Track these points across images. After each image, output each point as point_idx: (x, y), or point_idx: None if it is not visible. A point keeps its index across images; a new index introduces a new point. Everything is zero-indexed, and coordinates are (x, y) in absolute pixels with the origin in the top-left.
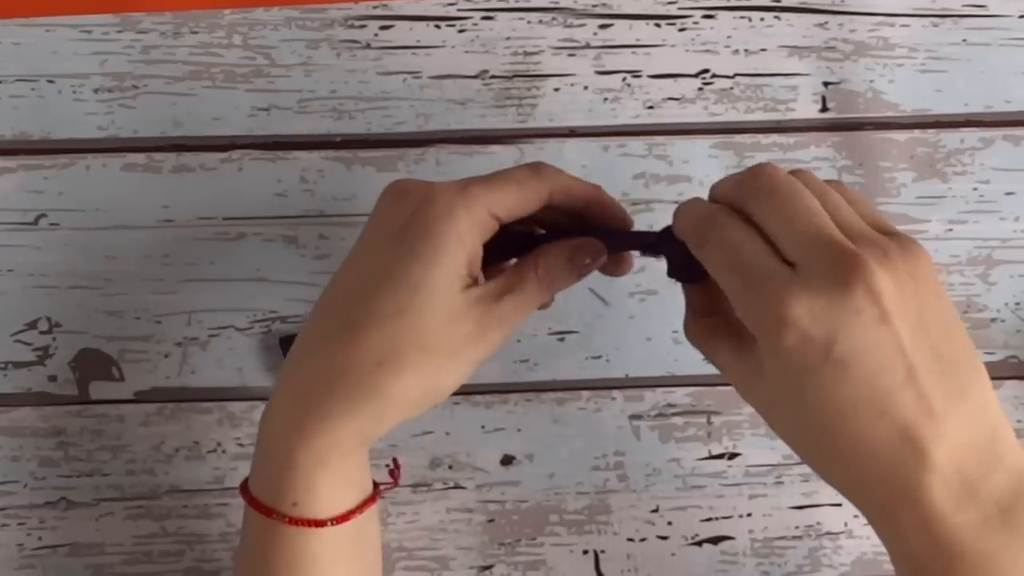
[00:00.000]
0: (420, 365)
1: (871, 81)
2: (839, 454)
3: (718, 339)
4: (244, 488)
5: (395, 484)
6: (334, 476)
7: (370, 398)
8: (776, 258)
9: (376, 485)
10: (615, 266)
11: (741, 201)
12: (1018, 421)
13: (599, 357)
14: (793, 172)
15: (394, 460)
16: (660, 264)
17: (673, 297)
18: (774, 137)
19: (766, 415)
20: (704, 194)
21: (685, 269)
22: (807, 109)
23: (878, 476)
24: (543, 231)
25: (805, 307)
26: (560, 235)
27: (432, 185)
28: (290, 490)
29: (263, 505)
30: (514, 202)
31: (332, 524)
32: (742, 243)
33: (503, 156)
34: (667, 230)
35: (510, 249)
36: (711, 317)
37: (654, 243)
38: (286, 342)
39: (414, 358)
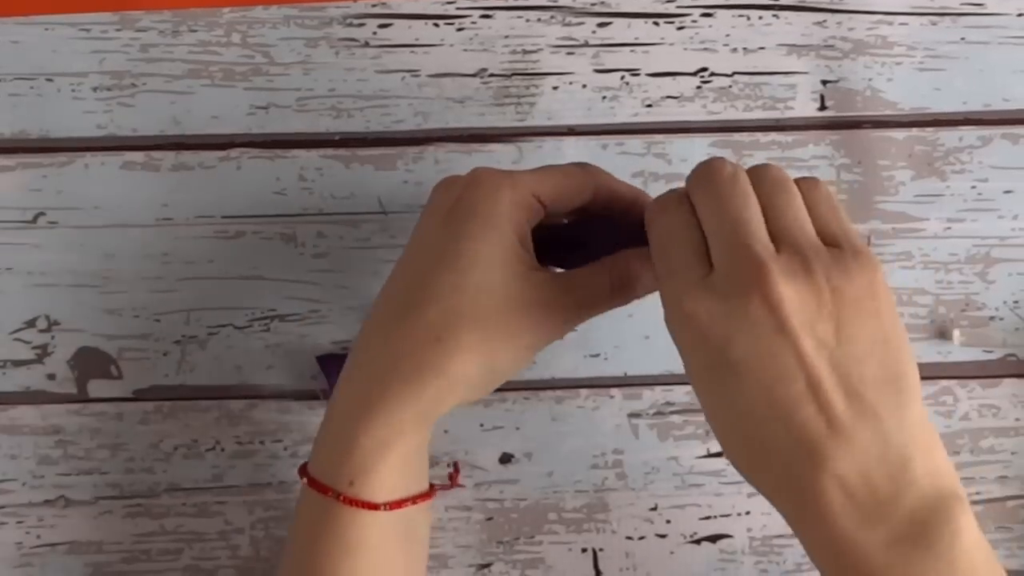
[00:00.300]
0: (478, 342)
1: (869, 79)
2: (748, 455)
3: None
4: (303, 469)
5: (452, 486)
6: (393, 460)
7: (431, 376)
8: (700, 255)
9: (432, 485)
10: None
11: (690, 191)
12: (1016, 419)
13: (598, 355)
14: (757, 168)
15: (455, 464)
16: None
17: None
18: (773, 135)
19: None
20: None
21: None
22: (805, 107)
23: (781, 483)
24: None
25: (703, 308)
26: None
27: (479, 169)
28: (349, 470)
29: (320, 483)
30: (559, 189)
31: (385, 509)
32: (675, 233)
33: (502, 154)
34: None
35: (556, 244)
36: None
37: None
38: (323, 360)
39: (471, 335)
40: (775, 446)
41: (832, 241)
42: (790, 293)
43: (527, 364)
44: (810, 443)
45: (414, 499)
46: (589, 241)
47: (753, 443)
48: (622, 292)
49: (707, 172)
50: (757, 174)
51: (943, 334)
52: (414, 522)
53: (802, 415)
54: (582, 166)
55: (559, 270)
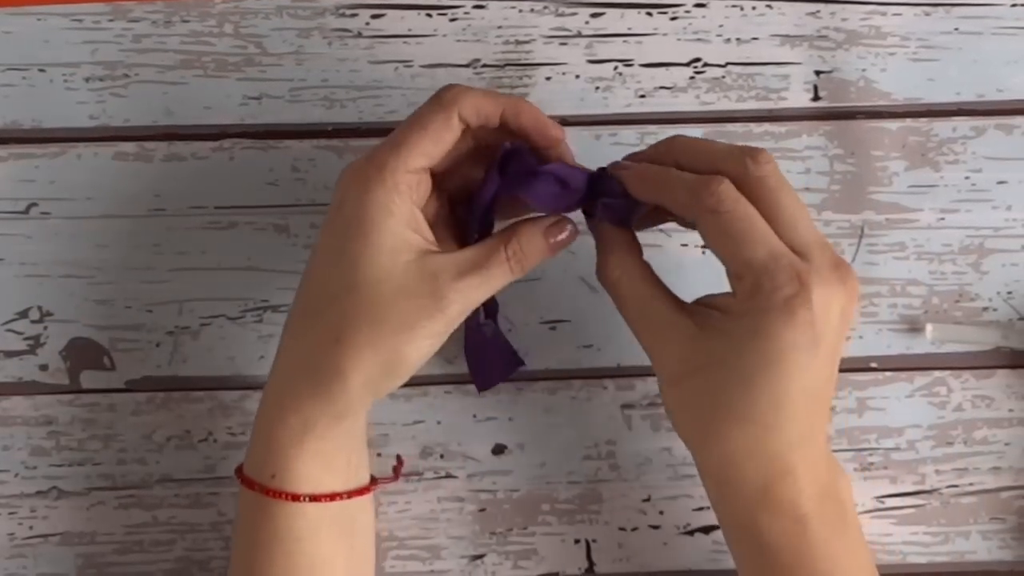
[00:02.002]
0: (373, 341)
1: (863, 70)
2: (749, 428)
3: (648, 283)
4: (239, 468)
5: (395, 479)
6: (309, 453)
7: (332, 377)
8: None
9: (373, 479)
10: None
11: (698, 212)
12: (1010, 410)
13: (590, 346)
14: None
15: (398, 457)
16: (651, 254)
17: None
18: (766, 126)
19: (683, 377)
20: None
21: (620, 211)
22: (799, 98)
23: (768, 451)
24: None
25: (820, 297)
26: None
27: (357, 162)
28: (269, 464)
29: (248, 479)
30: (426, 147)
31: (308, 500)
32: (757, 221)
33: None
34: (603, 170)
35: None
36: (635, 258)
37: (593, 179)
38: None
39: (367, 334)
40: (809, 424)
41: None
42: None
43: (434, 350)
44: (813, 432)
45: (348, 494)
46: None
47: (786, 430)
48: (515, 265)
49: (706, 193)
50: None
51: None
52: (352, 515)
53: (821, 405)
54: (438, 101)
55: (453, 252)
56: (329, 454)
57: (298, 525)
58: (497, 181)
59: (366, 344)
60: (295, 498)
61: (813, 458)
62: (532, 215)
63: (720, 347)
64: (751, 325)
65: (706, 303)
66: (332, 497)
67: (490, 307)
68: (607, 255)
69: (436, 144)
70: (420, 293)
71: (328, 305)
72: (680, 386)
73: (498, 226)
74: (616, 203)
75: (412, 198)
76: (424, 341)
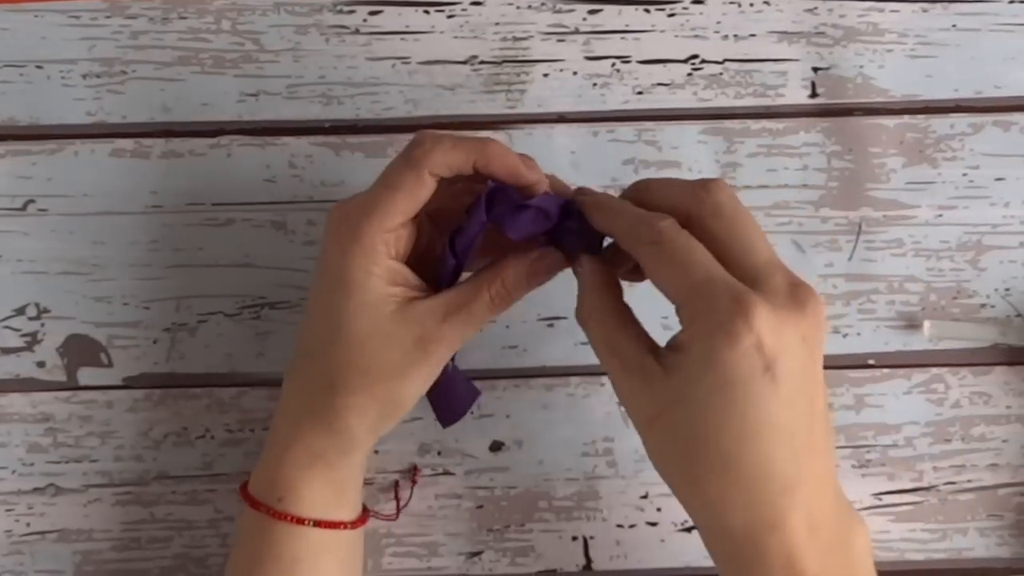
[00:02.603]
0: (367, 386)
1: (861, 67)
2: (724, 472)
3: (620, 325)
4: (243, 487)
5: (396, 516)
6: (318, 481)
7: (330, 418)
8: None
9: (365, 509)
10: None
11: (635, 250)
12: (1007, 407)
13: (588, 343)
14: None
15: (395, 484)
16: None
17: None
18: (763, 123)
19: (654, 420)
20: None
21: (584, 239)
22: (796, 94)
23: (752, 500)
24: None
25: (766, 320)
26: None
27: (335, 215)
28: (278, 487)
29: (254, 499)
30: (399, 207)
31: (312, 525)
32: (697, 249)
33: None
34: (568, 203)
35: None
36: (610, 299)
37: (559, 210)
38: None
39: (359, 381)
40: (769, 460)
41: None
42: (823, 316)
43: (427, 387)
44: (800, 464)
45: (351, 524)
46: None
47: (746, 456)
48: (500, 303)
49: (642, 233)
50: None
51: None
52: (351, 546)
53: (806, 432)
54: (406, 160)
55: (436, 295)
56: (339, 484)
57: (300, 549)
58: (483, 220)
59: (359, 391)
60: (300, 522)
61: (809, 506)
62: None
63: (677, 383)
64: (698, 354)
65: (669, 343)
66: (338, 525)
67: None
68: (581, 294)
69: (410, 202)
70: (406, 341)
71: (322, 353)
72: (652, 429)
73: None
74: (577, 229)
75: (392, 254)
76: (415, 384)
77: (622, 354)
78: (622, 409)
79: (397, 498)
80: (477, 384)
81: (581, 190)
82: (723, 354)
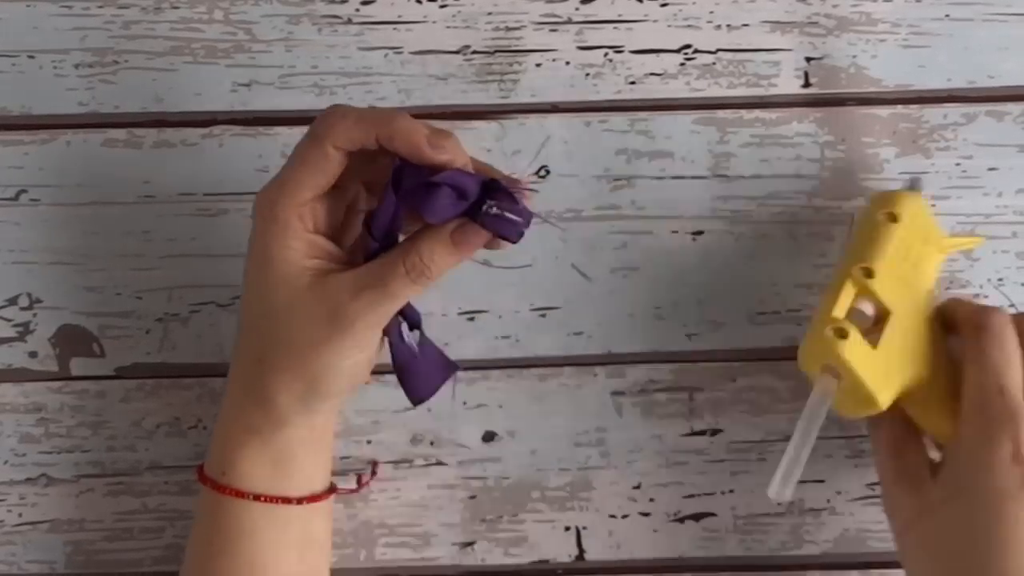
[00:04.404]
0: (287, 359)
1: (854, 56)
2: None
3: (908, 431)
4: (199, 468)
5: (356, 491)
6: (256, 453)
7: (260, 393)
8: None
9: (332, 487)
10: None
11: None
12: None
13: (581, 333)
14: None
15: (373, 464)
16: (641, 240)
17: (655, 272)
18: (756, 113)
19: (911, 525)
20: (684, 169)
21: (513, 223)
22: (789, 84)
23: None
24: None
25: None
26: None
27: (259, 195)
28: (221, 461)
29: (203, 474)
30: (309, 181)
31: (252, 499)
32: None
33: (485, 132)
34: (491, 182)
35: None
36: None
37: (486, 187)
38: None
39: (279, 354)
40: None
41: None
42: None
43: (359, 369)
44: None
45: (296, 499)
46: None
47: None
48: (422, 277)
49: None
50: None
51: None
52: (304, 524)
53: None
54: (311, 138)
55: (352, 269)
56: (278, 458)
57: (243, 522)
58: (393, 199)
59: (281, 366)
60: (240, 495)
61: None
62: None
63: (940, 490)
64: (964, 460)
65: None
66: (279, 500)
67: (412, 318)
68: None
69: (318, 176)
70: (319, 315)
71: (251, 327)
72: (907, 535)
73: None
74: (506, 211)
75: (307, 227)
76: (334, 359)
77: (905, 459)
78: (615, 399)
79: (373, 473)
80: (470, 375)
81: (512, 180)
82: (985, 460)
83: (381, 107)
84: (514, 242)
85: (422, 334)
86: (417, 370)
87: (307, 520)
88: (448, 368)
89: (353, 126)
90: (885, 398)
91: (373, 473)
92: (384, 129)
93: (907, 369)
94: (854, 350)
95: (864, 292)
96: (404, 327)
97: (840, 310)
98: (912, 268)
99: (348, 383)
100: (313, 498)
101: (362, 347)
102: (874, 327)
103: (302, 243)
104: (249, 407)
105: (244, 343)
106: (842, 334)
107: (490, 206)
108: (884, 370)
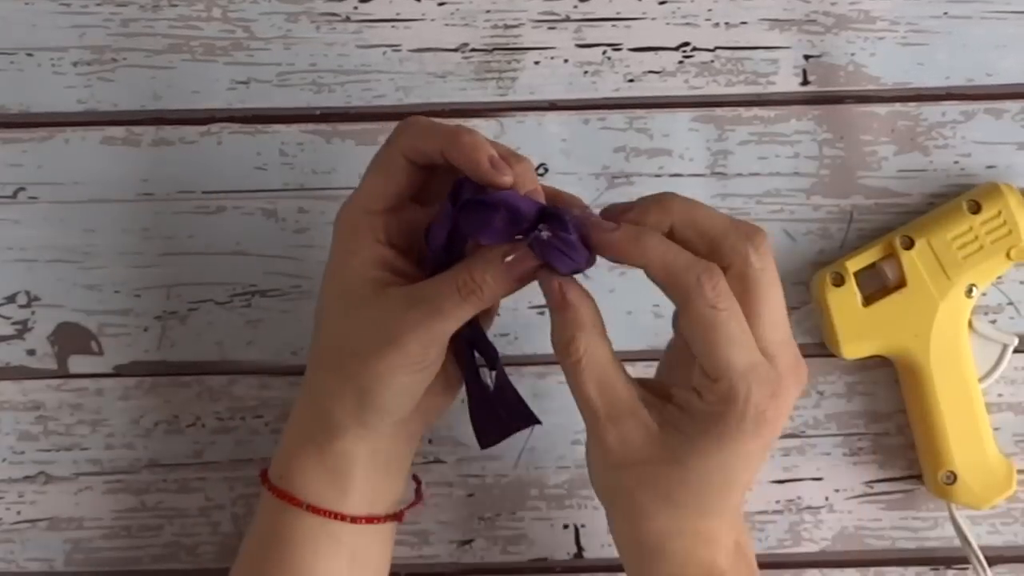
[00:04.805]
0: (337, 369)
1: (852, 54)
2: (686, 512)
3: (615, 367)
4: (264, 469)
5: (417, 502)
6: (310, 463)
7: (314, 398)
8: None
9: (395, 515)
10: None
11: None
12: (999, 395)
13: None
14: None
15: (415, 479)
16: None
17: None
18: (755, 110)
19: (634, 466)
20: (683, 167)
21: (569, 257)
22: (788, 82)
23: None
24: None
25: (785, 402)
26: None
27: (343, 207)
28: (279, 464)
29: (265, 474)
30: (380, 189)
31: (306, 508)
32: (742, 324)
33: (484, 130)
34: (545, 209)
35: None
36: (603, 337)
37: (535, 214)
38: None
39: (332, 362)
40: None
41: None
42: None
43: (414, 385)
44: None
45: (350, 517)
46: None
47: (729, 496)
48: (474, 297)
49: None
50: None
51: None
52: (356, 543)
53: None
54: (388, 142)
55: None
56: (334, 472)
57: (294, 531)
58: (449, 212)
59: (331, 372)
60: (294, 502)
61: (732, 521)
62: None
63: (680, 447)
64: (717, 431)
65: (663, 394)
66: (332, 514)
67: (489, 355)
68: (574, 329)
69: (388, 185)
70: (370, 326)
71: (316, 332)
72: (622, 471)
73: None
74: (562, 244)
75: (378, 238)
76: (384, 373)
77: (614, 398)
78: None
79: (420, 497)
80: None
81: (587, 216)
82: (747, 437)
83: (457, 124)
84: (564, 274)
85: (500, 373)
86: (489, 411)
87: (361, 540)
88: (526, 419)
89: (420, 135)
90: (848, 351)
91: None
92: (447, 142)
93: (890, 339)
94: (839, 298)
95: (892, 256)
96: (477, 362)
97: (856, 263)
98: (963, 259)
99: (405, 402)
100: (369, 519)
101: (416, 365)
102: (888, 291)
103: (370, 252)
104: (307, 413)
105: (312, 347)
106: (838, 280)
107: (540, 230)
108: (860, 328)
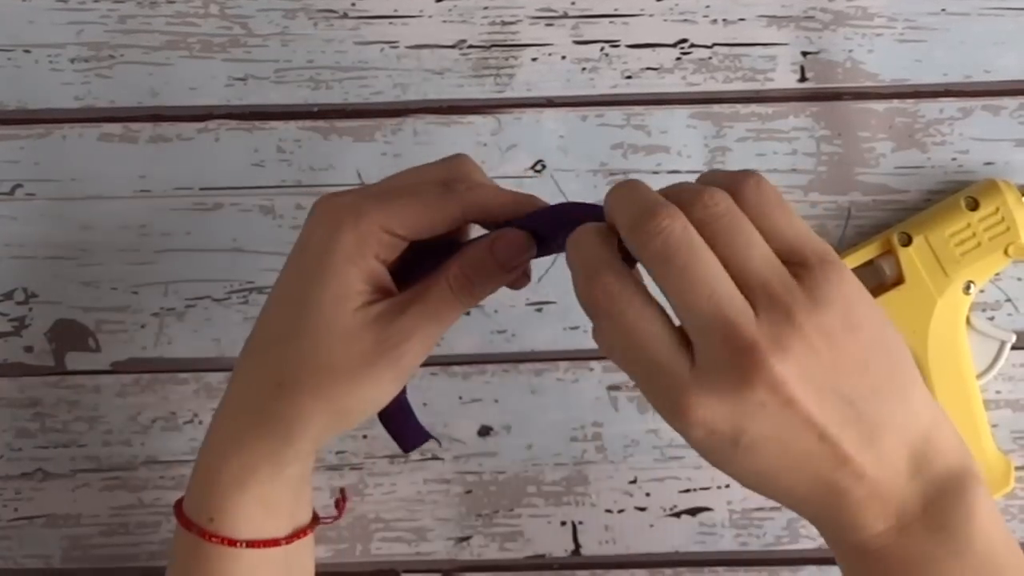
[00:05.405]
0: (317, 387)
1: (850, 51)
2: (780, 499)
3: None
4: (177, 504)
5: (338, 518)
6: (251, 498)
7: (273, 422)
8: (674, 343)
9: (316, 518)
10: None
11: (639, 256)
12: (997, 392)
13: (577, 328)
14: (692, 193)
15: (341, 491)
16: None
17: None
18: (752, 107)
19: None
20: (680, 163)
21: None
22: (786, 79)
23: (806, 510)
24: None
25: (708, 408)
26: None
27: (335, 199)
28: (208, 507)
29: (186, 518)
30: (415, 220)
31: (245, 546)
32: (638, 328)
33: (480, 126)
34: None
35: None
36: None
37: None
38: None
39: (310, 381)
40: (795, 487)
41: (793, 254)
42: (789, 367)
43: (390, 396)
44: (826, 480)
45: (288, 538)
46: None
47: (779, 493)
48: (465, 294)
49: (657, 241)
50: (703, 209)
51: None
52: (291, 558)
53: (815, 461)
54: (447, 186)
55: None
56: (272, 500)
57: (233, 570)
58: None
59: (309, 393)
60: (232, 543)
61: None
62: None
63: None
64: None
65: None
66: (271, 543)
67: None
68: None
69: (425, 225)
70: (366, 340)
71: (273, 347)
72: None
73: None
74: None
75: (379, 255)
76: (370, 390)
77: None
78: (611, 393)
79: (344, 500)
80: (465, 370)
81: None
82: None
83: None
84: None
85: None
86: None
87: (293, 555)
88: (421, 435)
89: (491, 205)
90: None
91: (344, 498)
92: (521, 206)
93: None
94: None
95: (890, 253)
96: None
97: (854, 260)
98: (961, 256)
99: (366, 415)
100: (299, 534)
101: (398, 382)
102: (886, 288)
103: (369, 266)
104: (254, 443)
105: (260, 366)
106: None
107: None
108: None
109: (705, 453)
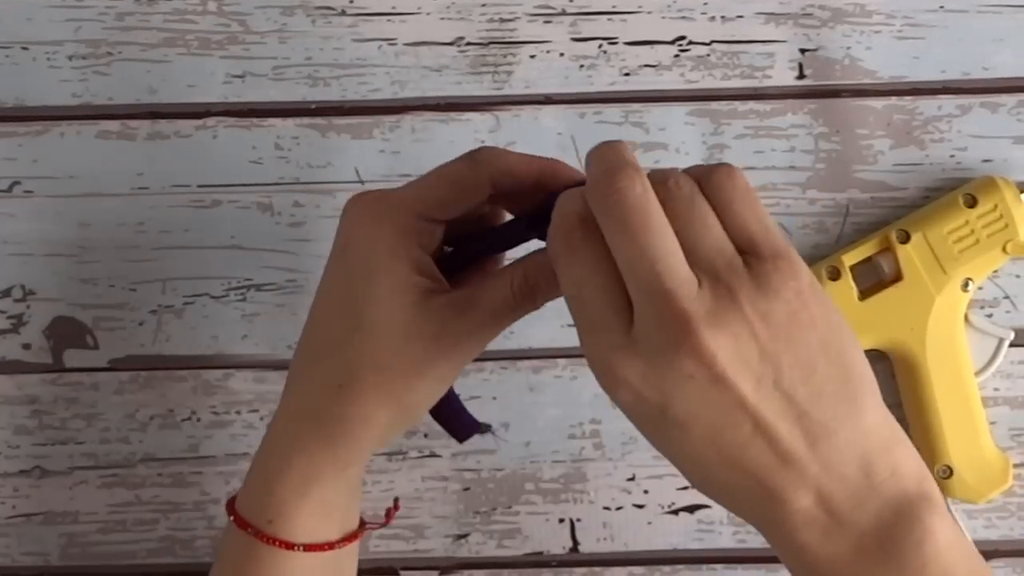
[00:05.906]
0: (379, 385)
1: (848, 48)
2: (712, 492)
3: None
4: (230, 503)
5: (385, 524)
6: (311, 504)
7: (338, 424)
8: (618, 305)
9: (362, 523)
10: None
11: (596, 212)
12: (995, 389)
13: (575, 325)
14: (663, 174)
15: (395, 500)
16: None
17: None
18: (751, 104)
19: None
20: (679, 160)
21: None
22: (784, 76)
23: (747, 514)
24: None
25: (636, 371)
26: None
27: (365, 197)
28: (268, 509)
29: (242, 518)
30: (447, 199)
31: (302, 550)
32: (587, 280)
33: (479, 123)
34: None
35: (470, 253)
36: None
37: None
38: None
39: (372, 379)
40: (734, 486)
41: (749, 245)
42: (721, 342)
43: (442, 392)
44: (765, 481)
45: (341, 542)
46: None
47: (712, 484)
48: (527, 300)
49: (613, 198)
50: (668, 187)
51: None
52: (341, 562)
53: (752, 456)
54: (470, 159)
55: (458, 289)
56: (331, 504)
57: (287, 571)
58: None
59: (371, 390)
60: (289, 546)
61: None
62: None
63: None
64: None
65: None
66: (326, 547)
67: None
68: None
69: (458, 201)
70: (424, 336)
71: (332, 349)
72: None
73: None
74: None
75: (421, 243)
76: (431, 385)
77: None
78: None
79: (396, 508)
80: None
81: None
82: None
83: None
84: None
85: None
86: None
87: (344, 558)
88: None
89: (517, 166)
90: None
91: (396, 507)
92: (550, 179)
93: (886, 334)
94: (835, 292)
95: (888, 250)
96: None
97: (852, 257)
98: (959, 253)
99: (426, 411)
100: (352, 537)
101: (456, 372)
102: (884, 285)
103: (414, 255)
104: (316, 445)
105: (317, 372)
106: (833, 275)
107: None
108: (856, 323)
109: (635, 421)
